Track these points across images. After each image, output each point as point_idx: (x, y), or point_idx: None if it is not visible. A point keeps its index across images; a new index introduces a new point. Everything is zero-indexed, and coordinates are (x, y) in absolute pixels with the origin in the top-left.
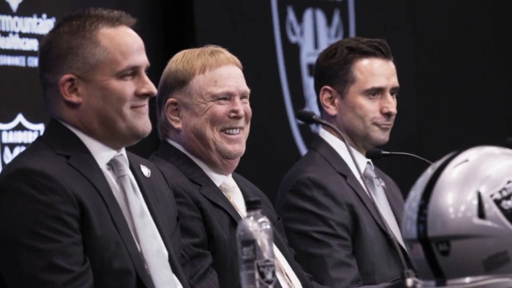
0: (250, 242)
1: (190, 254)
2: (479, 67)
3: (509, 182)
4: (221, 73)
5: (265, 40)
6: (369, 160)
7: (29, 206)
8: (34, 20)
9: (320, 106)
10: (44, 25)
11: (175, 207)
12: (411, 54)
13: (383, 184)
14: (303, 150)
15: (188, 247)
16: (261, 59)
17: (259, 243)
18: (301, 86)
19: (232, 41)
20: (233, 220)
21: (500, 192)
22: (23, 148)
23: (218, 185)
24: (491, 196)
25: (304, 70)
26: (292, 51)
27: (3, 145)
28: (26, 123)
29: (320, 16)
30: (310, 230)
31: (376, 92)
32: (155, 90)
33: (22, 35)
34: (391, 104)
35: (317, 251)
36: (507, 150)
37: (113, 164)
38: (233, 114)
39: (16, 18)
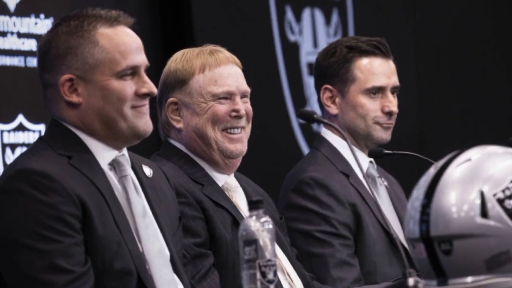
0: (252, 241)
1: (192, 254)
2: (479, 65)
3: None
4: (221, 73)
5: (264, 39)
6: (372, 159)
7: (30, 207)
8: (32, 20)
9: (321, 105)
10: (42, 25)
11: (177, 207)
12: (411, 53)
13: (385, 183)
14: (305, 149)
15: (190, 247)
16: (260, 58)
17: (261, 242)
18: (301, 85)
19: (230, 41)
20: (235, 219)
21: (503, 191)
22: (24, 149)
23: (220, 184)
24: (494, 195)
25: (304, 69)
26: (291, 50)
27: (4, 145)
28: (27, 124)
29: (319, 15)
30: (312, 230)
31: (376, 91)
32: (155, 90)
33: (20, 35)
34: (392, 103)
35: (319, 251)
36: (510, 150)
37: (115, 164)
38: (234, 114)
39: (14, 18)
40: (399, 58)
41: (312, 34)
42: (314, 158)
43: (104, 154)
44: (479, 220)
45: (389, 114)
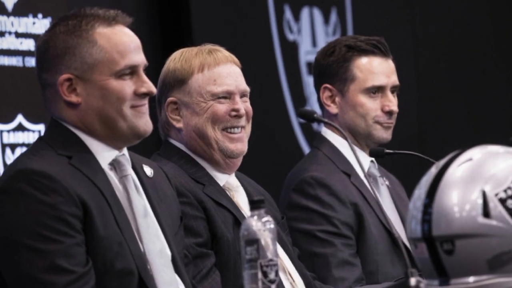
0: (253, 241)
1: (193, 254)
2: (479, 64)
3: None
4: (220, 72)
5: (263, 38)
6: (373, 158)
7: (31, 207)
8: (30, 20)
9: (321, 105)
10: (40, 25)
11: (179, 207)
12: (411, 52)
13: (387, 183)
14: (306, 149)
15: (191, 247)
16: (259, 58)
17: (262, 242)
18: (300, 84)
19: (229, 40)
20: (237, 219)
21: (505, 191)
22: (24, 149)
23: (221, 184)
24: (496, 195)
25: (303, 69)
26: (290, 49)
27: (4, 146)
28: (26, 124)
29: (317, 14)
30: (314, 229)
31: (376, 90)
32: (154, 89)
33: (18, 35)
34: (392, 103)
35: (320, 250)
36: (511, 149)
37: (115, 164)
38: (234, 113)
39: (11, 18)
40: (398, 57)
41: (311, 33)
42: (315, 157)
43: (104, 154)
44: (481, 220)
45: (389, 113)
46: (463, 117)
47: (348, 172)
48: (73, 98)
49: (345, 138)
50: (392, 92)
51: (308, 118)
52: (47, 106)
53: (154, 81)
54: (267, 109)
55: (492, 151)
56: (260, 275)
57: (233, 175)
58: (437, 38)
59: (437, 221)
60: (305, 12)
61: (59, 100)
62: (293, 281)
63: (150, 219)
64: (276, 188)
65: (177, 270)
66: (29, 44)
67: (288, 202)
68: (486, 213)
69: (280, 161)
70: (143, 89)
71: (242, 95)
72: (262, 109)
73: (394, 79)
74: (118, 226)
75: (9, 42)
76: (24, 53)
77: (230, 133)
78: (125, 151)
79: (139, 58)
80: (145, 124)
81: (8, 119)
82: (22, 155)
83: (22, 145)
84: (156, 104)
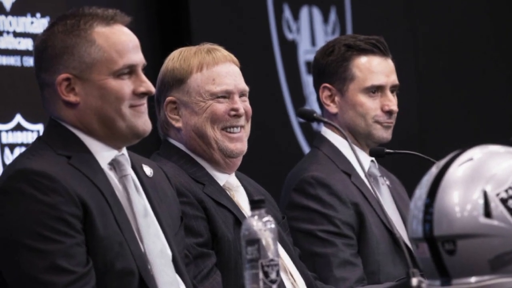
0: (254, 241)
1: (194, 254)
2: (479, 64)
3: None
4: (218, 71)
5: (262, 38)
6: (373, 158)
7: (31, 207)
8: (28, 19)
9: (321, 104)
10: (38, 24)
11: (179, 207)
12: (410, 51)
13: (387, 182)
14: (306, 149)
15: (192, 247)
16: (258, 57)
17: (263, 242)
18: (300, 84)
19: (228, 39)
20: (238, 219)
21: (506, 191)
22: (23, 149)
23: (221, 184)
24: (497, 195)
25: (302, 68)
26: (289, 48)
27: (3, 145)
28: (25, 123)
29: (317, 13)
30: (315, 229)
31: (376, 90)
32: (153, 89)
33: (16, 34)
34: (392, 102)
35: (321, 250)
36: (511, 149)
37: (114, 164)
38: (233, 113)
39: (10, 18)
40: (397, 57)
41: (310, 33)
42: (315, 157)
43: (103, 154)
44: (483, 220)
45: (389, 113)
46: (463, 117)
47: (349, 171)
48: (72, 98)
49: (345, 138)
50: (392, 91)
51: (307, 117)
52: (46, 106)
53: (153, 81)
54: (266, 109)
55: (493, 151)
56: (261, 275)
57: (233, 174)
58: (437, 38)
59: (439, 221)
60: (304, 11)
61: (58, 100)
62: (294, 281)
63: (150, 219)
64: (276, 188)
65: (177, 270)
66: (27, 44)
67: (288, 202)
68: (488, 213)
69: (279, 161)
70: (142, 89)
71: (241, 94)
72: (261, 108)
73: (393, 79)
74: (118, 226)
75: (7, 42)
76: (22, 53)
77: (230, 132)
78: (124, 150)
79: (138, 57)
80: (144, 123)
81: (6, 119)
82: (21, 155)
83: (21, 145)
84: (155, 104)
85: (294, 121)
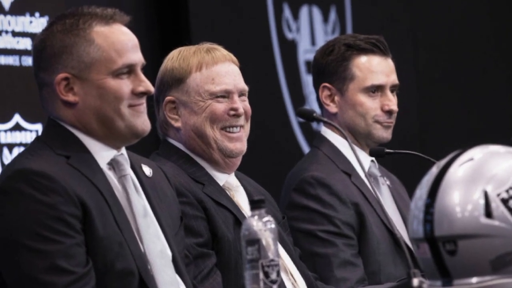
0: (254, 241)
1: (194, 254)
2: (479, 64)
3: None
4: (218, 71)
5: (261, 37)
6: (373, 158)
7: (31, 207)
8: (27, 18)
9: (320, 104)
10: (37, 23)
11: (178, 207)
12: (410, 51)
13: (388, 182)
14: (305, 148)
15: (192, 247)
16: (257, 56)
17: (263, 242)
18: (299, 83)
19: (227, 39)
20: (237, 219)
21: (507, 191)
22: (21, 149)
23: (221, 184)
24: (498, 195)
25: (302, 67)
26: (289, 48)
27: (2, 145)
28: (24, 123)
29: (316, 12)
30: (315, 229)
31: (376, 89)
32: (152, 89)
33: (15, 34)
34: (392, 102)
35: (322, 251)
36: None
37: (114, 164)
38: (232, 112)
39: (8, 17)
40: (397, 56)
41: (310, 32)
42: (315, 157)
43: (102, 154)
44: (484, 220)
45: (389, 112)
46: (463, 117)
47: (349, 171)
48: (70, 98)
49: (345, 138)
50: (392, 91)
51: (307, 117)
52: (44, 106)
53: (152, 80)
54: (266, 108)
55: (493, 151)
56: (261, 275)
57: (233, 174)
58: (437, 38)
59: (439, 221)
60: (304, 11)
61: (56, 100)
62: (295, 281)
63: (150, 219)
64: (276, 188)
65: (177, 270)
66: (26, 43)
67: (288, 202)
68: (488, 213)
69: (279, 161)
70: (141, 88)
71: (241, 94)
72: (261, 108)
73: (393, 78)
74: (118, 226)
75: (6, 41)
76: (21, 52)
77: (229, 132)
78: (123, 150)
79: (137, 57)
80: (143, 123)
81: (5, 119)
82: (20, 155)
83: (20, 145)
84: (154, 104)
85: (294, 121)
